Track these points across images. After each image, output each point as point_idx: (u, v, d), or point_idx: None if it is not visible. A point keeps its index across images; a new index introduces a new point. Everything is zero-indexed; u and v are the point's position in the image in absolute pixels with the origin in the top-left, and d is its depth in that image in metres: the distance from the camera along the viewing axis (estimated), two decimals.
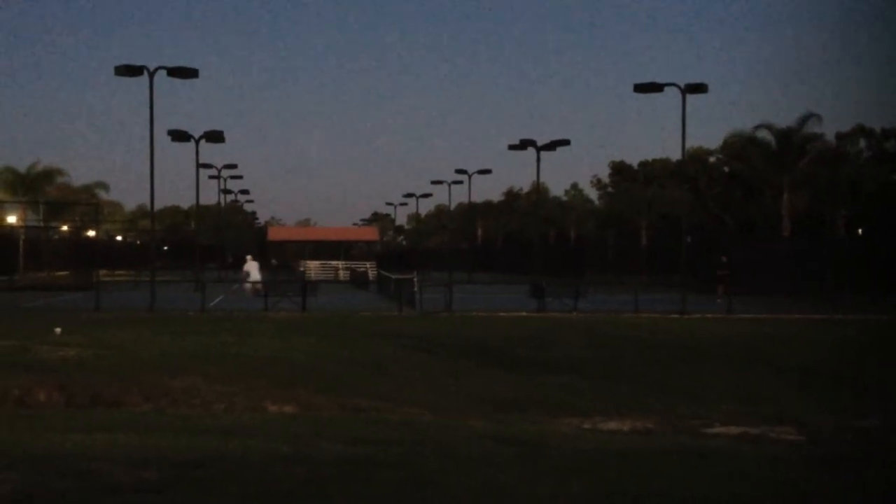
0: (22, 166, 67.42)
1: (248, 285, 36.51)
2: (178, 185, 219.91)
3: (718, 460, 7.39)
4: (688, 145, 37.75)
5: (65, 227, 65.11)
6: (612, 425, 10.50)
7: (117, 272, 61.19)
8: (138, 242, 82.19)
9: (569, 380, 17.88)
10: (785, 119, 58.55)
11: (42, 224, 63.05)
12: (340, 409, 11.98)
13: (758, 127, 53.36)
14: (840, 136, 58.02)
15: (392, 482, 5.92)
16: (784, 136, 52.33)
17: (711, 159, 65.48)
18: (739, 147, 56.15)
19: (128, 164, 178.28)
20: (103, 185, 76.73)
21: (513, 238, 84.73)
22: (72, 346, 17.00)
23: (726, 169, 62.59)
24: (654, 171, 73.85)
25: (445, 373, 17.95)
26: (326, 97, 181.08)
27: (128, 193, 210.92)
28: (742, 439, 9.46)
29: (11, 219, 60.35)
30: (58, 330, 19.62)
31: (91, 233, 62.87)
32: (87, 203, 65.33)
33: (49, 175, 68.18)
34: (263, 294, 32.17)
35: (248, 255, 36.59)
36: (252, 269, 37.15)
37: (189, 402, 12.11)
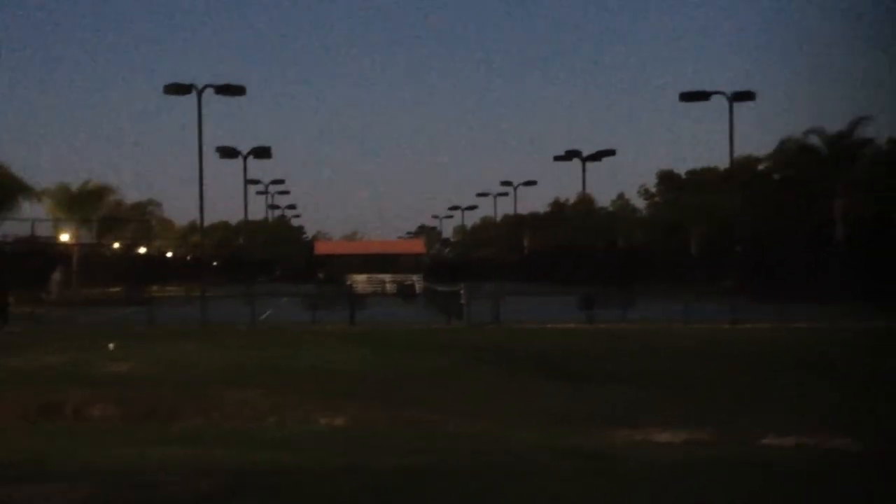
0: (74, 184, 68.65)
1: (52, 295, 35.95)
2: (227, 200, 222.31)
3: (770, 471, 7.29)
4: (736, 153, 37.38)
5: (117, 244, 66.11)
6: (666, 437, 10.39)
7: (169, 288, 61.97)
8: (189, 258, 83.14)
9: (620, 391, 17.70)
10: (836, 124, 57.77)
11: (95, 241, 64.09)
12: (392, 421, 11.99)
13: (808, 132, 52.69)
14: (893, 140, 57.06)
15: (449, 493, 5.91)
16: (835, 140, 51.62)
17: (760, 167, 64.75)
18: (790, 153, 55.44)
19: (177, 180, 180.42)
20: (155, 203, 77.95)
21: (560, 249, 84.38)
22: (125, 361, 17.24)
23: (776, 176, 61.87)
24: (702, 180, 73.22)
25: (496, 384, 17.87)
26: (371, 111, 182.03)
27: (178, 210, 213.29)
28: (797, 450, 9.33)
29: (65, 236, 61.39)
30: (111, 345, 19.90)
31: (142, 249, 63.81)
32: (138, 220, 66.35)
33: (100, 193, 69.28)
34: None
35: (57, 266, 36.52)
36: (53, 281, 36.29)
37: (242, 415, 12.21)
